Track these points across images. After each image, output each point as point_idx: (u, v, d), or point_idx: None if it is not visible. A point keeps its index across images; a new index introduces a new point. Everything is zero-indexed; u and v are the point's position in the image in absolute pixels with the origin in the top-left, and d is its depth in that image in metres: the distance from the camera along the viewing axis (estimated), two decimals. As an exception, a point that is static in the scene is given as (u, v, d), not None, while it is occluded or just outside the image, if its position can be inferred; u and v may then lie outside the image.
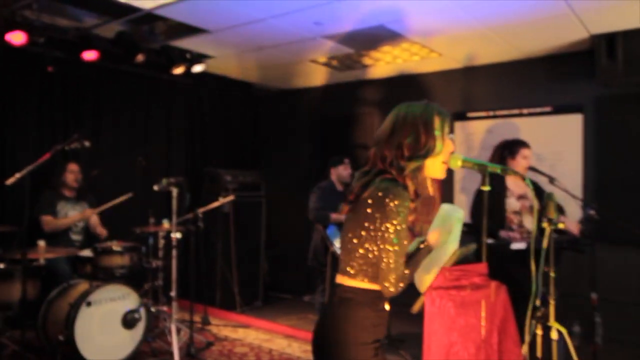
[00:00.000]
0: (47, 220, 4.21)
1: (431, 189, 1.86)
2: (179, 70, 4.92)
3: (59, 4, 4.08)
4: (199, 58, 5.17)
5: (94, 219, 4.46)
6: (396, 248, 1.70)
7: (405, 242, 1.74)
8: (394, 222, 1.70)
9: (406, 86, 5.94)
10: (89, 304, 3.53)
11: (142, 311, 3.81)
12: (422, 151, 1.81)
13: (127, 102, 5.31)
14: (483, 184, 1.81)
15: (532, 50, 4.93)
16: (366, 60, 5.53)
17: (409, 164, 1.80)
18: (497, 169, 1.81)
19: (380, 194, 1.72)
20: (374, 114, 6.23)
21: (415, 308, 1.83)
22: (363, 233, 1.75)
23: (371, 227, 1.71)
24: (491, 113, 5.53)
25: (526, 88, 5.19)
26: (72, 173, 4.39)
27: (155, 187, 3.93)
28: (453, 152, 1.85)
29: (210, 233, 5.43)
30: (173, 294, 3.91)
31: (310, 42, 4.82)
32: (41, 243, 3.62)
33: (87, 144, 3.77)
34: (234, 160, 6.29)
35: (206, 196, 5.40)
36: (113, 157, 5.08)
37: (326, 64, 5.67)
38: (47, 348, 3.59)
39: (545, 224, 1.75)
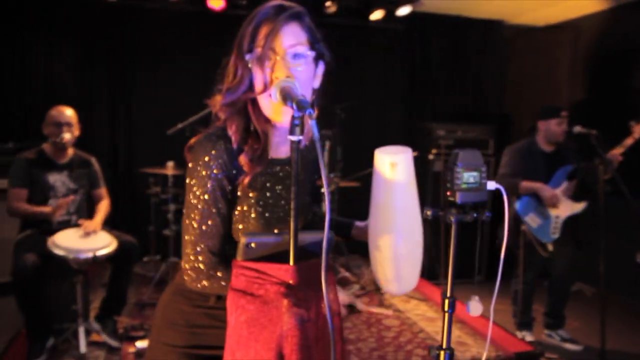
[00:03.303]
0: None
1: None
2: (376, 16, 4.55)
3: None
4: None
5: None
6: (192, 222, 1.21)
7: (214, 218, 1.21)
8: (193, 185, 1.22)
9: None
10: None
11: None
12: (233, 83, 1.22)
13: (339, 54, 5.23)
14: (291, 132, 1.04)
15: None
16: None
17: (216, 99, 1.26)
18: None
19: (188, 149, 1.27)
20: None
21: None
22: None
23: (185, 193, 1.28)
24: None
25: None
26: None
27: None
28: (285, 79, 1.15)
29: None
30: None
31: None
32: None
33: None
34: (463, 114, 5.49)
35: (420, 154, 4.93)
36: (321, 109, 5.14)
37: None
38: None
39: None
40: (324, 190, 1.04)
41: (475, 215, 1.11)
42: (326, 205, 1.01)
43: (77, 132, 3.25)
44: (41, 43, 4.59)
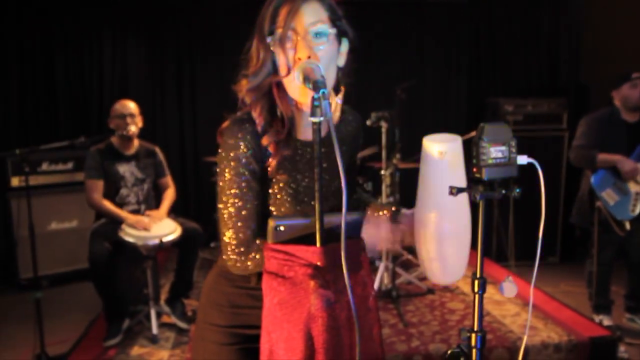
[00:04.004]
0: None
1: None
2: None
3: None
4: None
5: None
6: (227, 206, 1.23)
7: (246, 199, 1.23)
8: (224, 169, 1.25)
9: None
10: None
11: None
12: (256, 67, 1.22)
13: (397, 33, 5.09)
14: (312, 113, 1.01)
15: None
16: None
17: (241, 84, 1.26)
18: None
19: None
20: None
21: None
22: None
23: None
24: None
25: None
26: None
27: (368, 122, 3.77)
28: (308, 60, 1.13)
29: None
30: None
31: None
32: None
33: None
34: (534, 87, 5.18)
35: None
36: (381, 91, 5.03)
37: None
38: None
39: None
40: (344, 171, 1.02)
41: (503, 192, 1.04)
42: (343, 188, 0.99)
43: (140, 124, 3.41)
44: (109, 39, 4.84)
